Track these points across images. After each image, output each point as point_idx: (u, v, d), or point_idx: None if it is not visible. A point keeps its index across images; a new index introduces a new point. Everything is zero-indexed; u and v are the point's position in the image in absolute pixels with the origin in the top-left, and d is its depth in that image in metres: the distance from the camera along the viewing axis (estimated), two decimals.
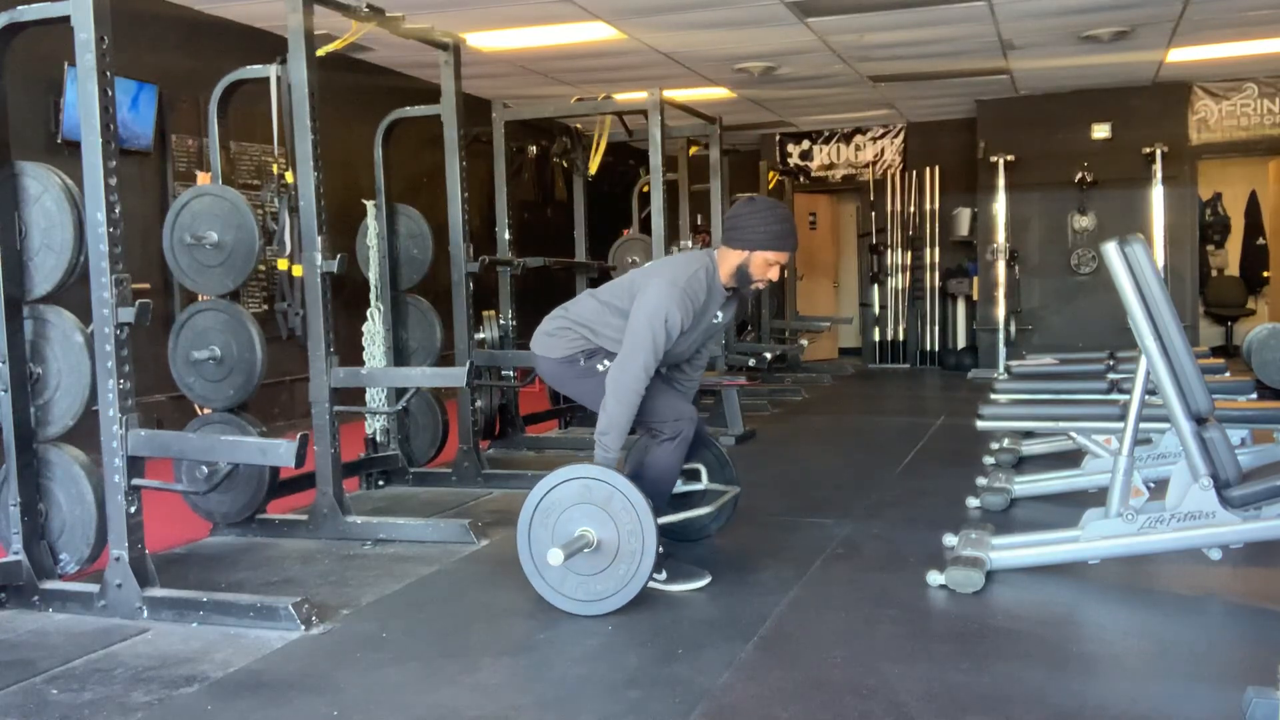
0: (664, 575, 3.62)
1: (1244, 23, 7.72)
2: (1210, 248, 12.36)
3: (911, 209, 12.05)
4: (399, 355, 5.68)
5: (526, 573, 3.44)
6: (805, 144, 12.58)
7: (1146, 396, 3.59)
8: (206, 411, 4.62)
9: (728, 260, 3.66)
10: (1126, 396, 3.85)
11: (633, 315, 3.56)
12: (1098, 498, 3.80)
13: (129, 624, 3.37)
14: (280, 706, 2.74)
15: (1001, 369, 8.76)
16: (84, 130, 3.38)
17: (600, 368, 3.69)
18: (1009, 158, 10.66)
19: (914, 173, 12.05)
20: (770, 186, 10.83)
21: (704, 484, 4.07)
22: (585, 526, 3.36)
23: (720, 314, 3.78)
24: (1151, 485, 3.84)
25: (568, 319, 3.81)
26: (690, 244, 8.96)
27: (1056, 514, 4.43)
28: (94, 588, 3.48)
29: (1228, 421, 3.81)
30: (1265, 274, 12.14)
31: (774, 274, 3.67)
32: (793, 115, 11.50)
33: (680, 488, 3.98)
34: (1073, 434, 4.39)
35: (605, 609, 3.35)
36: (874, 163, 12.32)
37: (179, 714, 2.71)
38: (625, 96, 7.78)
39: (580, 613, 3.36)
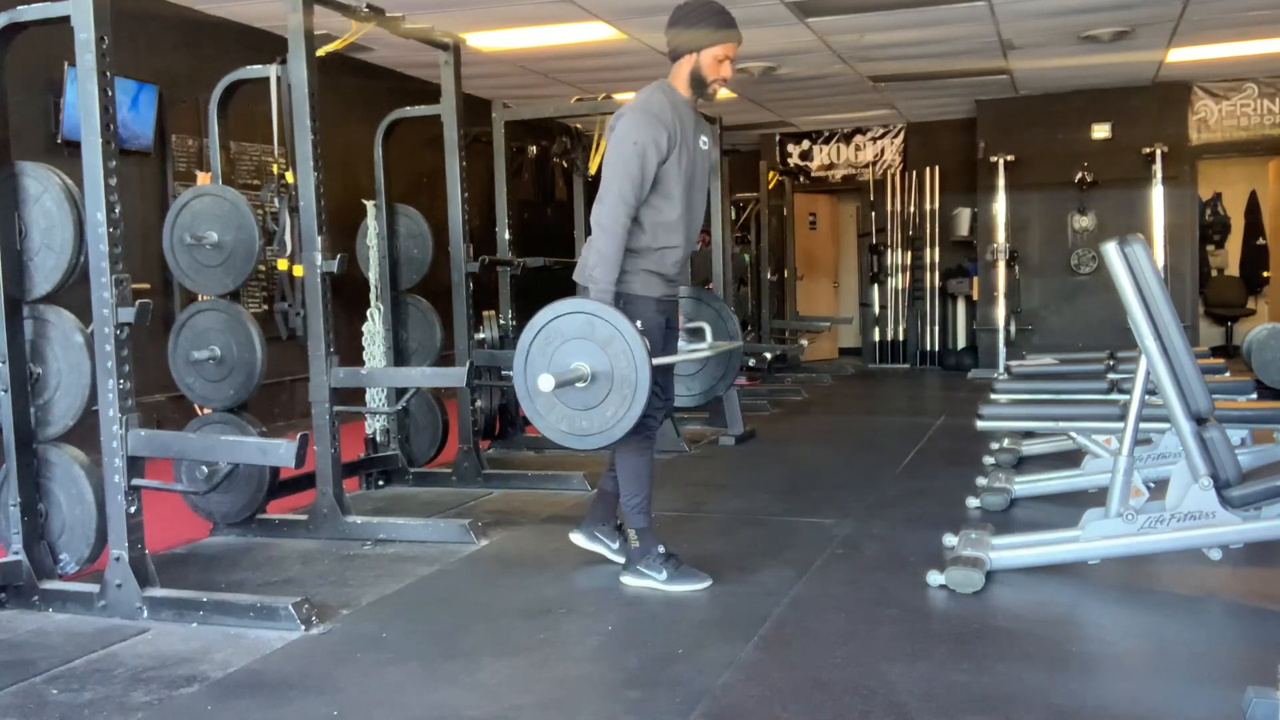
0: (664, 575, 3.62)
1: (1244, 23, 7.72)
2: (1210, 248, 12.36)
3: (911, 209, 12.05)
4: (399, 355, 5.68)
5: (519, 398, 3.43)
6: (805, 144, 12.58)
7: (1146, 396, 3.59)
8: (206, 411, 4.62)
9: (679, 74, 3.61)
10: (1126, 396, 3.85)
11: (605, 154, 3.52)
12: (1098, 498, 3.80)
13: (129, 624, 3.37)
14: (280, 706, 2.74)
15: (1001, 369, 8.76)
16: (84, 130, 3.38)
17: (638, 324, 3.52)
18: (1009, 158, 10.66)
19: (914, 173, 12.05)
20: (770, 187, 10.84)
21: (709, 342, 4.04)
22: (581, 361, 3.31)
23: (704, 139, 3.69)
24: (1151, 485, 3.84)
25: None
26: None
27: (1056, 514, 4.43)
28: (94, 588, 3.48)
29: (1228, 421, 3.81)
30: (1265, 274, 12.14)
31: (726, 70, 3.59)
32: (793, 115, 11.50)
33: (685, 344, 3.94)
34: (1073, 434, 4.39)
35: (589, 445, 3.35)
36: (874, 163, 12.33)
37: (179, 714, 2.71)
38: (625, 96, 7.76)
39: (564, 444, 3.36)
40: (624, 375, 3.29)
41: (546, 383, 3.25)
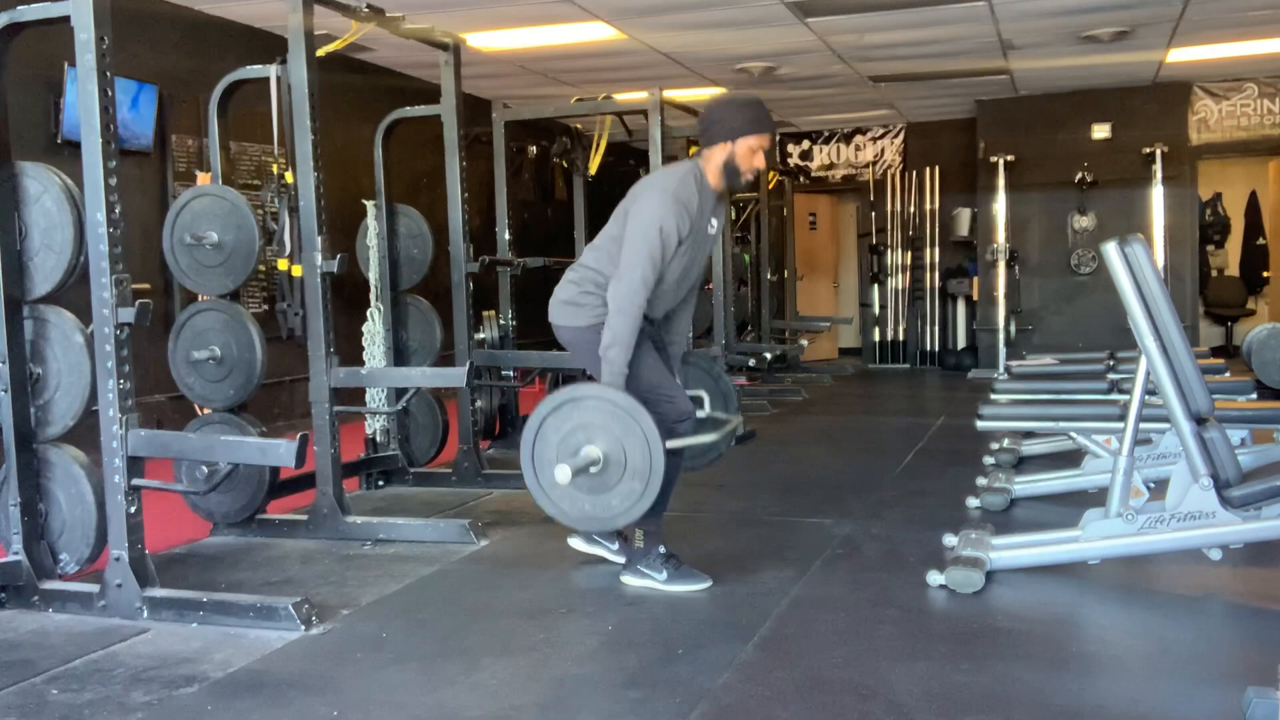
0: (664, 575, 3.62)
1: (1244, 23, 7.72)
2: (1210, 248, 12.36)
3: (911, 209, 12.05)
4: (399, 355, 5.68)
5: (536, 498, 3.40)
6: (805, 144, 12.58)
7: (1146, 396, 3.59)
8: (206, 411, 4.62)
9: (712, 160, 3.62)
10: (1126, 396, 3.85)
11: (628, 229, 3.51)
12: (1098, 498, 3.81)
13: (129, 624, 3.37)
14: (280, 706, 2.74)
15: (1001, 369, 8.76)
16: (84, 130, 3.38)
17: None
18: (1009, 158, 10.66)
19: (914, 173, 12.05)
20: (770, 187, 10.84)
21: (705, 411, 3.99)
22: (592, 445, 3.30)
23: (714, 222, 3.72)
24: (1151, 485, 3.84)
25: (582, 279, 3.69)
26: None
27: (1056, 514, 4.43)
28: (94, 588, 3.48)
29: (1228, 421, 3.81)
30: (1265, 274, 12.14)
31: (759, 160, 3.63)
32: (793, 115, 11.50)
33: None
34: (1073, 434, 4.39)
35: (616, 524, 3.35)
36: (874, 163, 12.32)
37: (179, 714, 2.71)
38: (625, 96, 7.77)
39: (594, 529, 3.36)
40: (637, 452, 3.28)
41: (563, 474, 3.23)
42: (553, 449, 3.34)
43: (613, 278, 3.51)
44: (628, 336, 3.45)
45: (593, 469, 3.28)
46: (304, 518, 4.48)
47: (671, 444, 3.45)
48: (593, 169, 8.00)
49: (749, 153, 3.58)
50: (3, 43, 3.59)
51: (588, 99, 7.82)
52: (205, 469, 4.10)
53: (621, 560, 3.82)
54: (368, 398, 5.52)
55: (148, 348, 5.36)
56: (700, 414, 3.97)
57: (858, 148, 12.41)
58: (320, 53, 4.47)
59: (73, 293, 3.60)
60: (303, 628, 3.28)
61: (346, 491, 4.59)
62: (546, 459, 3.34)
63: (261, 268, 5.78)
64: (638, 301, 3.45)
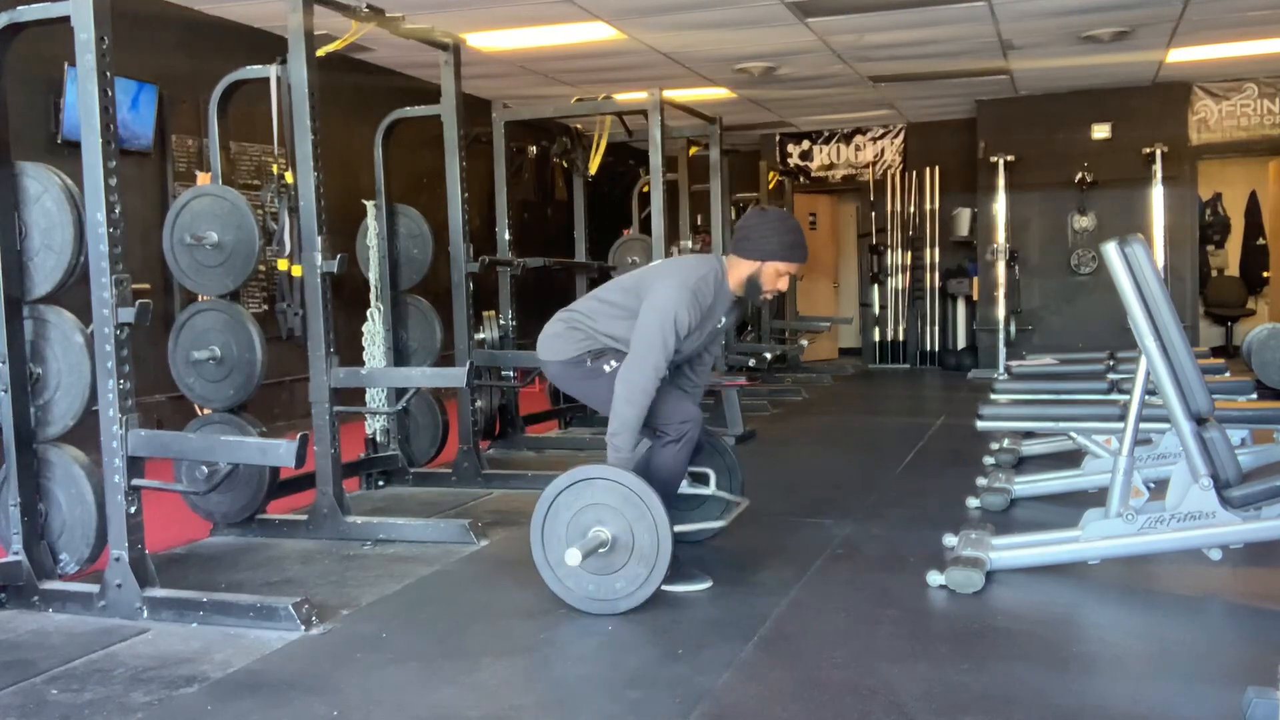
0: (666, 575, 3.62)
1: (1244, 23, 7.72)
2: (1210, 248, 12.36)
3: (911, 209, 12.05)
4: (399, 355, 5.68)
5: (541, 572, 3.43)
6: (805, 144, 12.58)
7: (1146, 396, 3.59)
8: (206, 411, 4.62)
9: (738, 269, 3.69)
10: (1126, 396, 3.85)
11: (642, 315, 3.55)
12: (1098, 498, 3.80)
13: (129, 624, 3.37)
14: (280, 706, 2.74)
15: (1001, 369, 8.76)
16: (84, 130, 3.38)
17: (607, 368, 3.66)
18: (1009, 158, 10.66)
19: (914, 173, 12.05)
20: (770, 186, 10.83)
21: (711, 489, 4.03)
22: (600, 526, 3.36)
23: (724, 318, 3.80)
24: (1151, 485, 3.84)
25: (573, 320, 3.79)
26: (690, 244, 8.96)
27: (1056, 514, 4.44)
28: (94, 588, 3.48)
29: (1228, 421, 3.81)
30: (1265, 274, 12.14)
31: (783, 284, 3.72)
32: (793, 115, 11.50)
33: (686, 489, 3.98)
34: (1073, 434, 4.39)
35: (619, 609, 3.35)
36: (874, 163, 12.32)
37: (179, 714, 2.71)
38: (625, 96, 7.78)
39: (595, 611, 3.36)
40: (645, 551, 3.33)
41: (574, 557, 3.27)
42: (563, 526, 3.39)
43: (624, 363, 3.57)
44: (634, 424, 3.52)
45: (601, 550, 3.34)
46: (304, 518, 4.48)
47: (680, 529, 3.52)
48: (593, 169, 8.00)
49: (775, 275, 3.68)
50: (3, 43, 3.59)
51: (588, 99, 7.83)
52: (205, 469, 4.10)
53: None
54: (368, 398, 5.52)
55: (148, 348, 5.36)
56: (706, 492, 4.00)
57: (858, 148, 12.41)
58: (320, 53, 4.47)
59: (73, 293, 3.60)
60: (303, 628, 3.28)
61: (346, 491, 4.59)
62: (556, 536, 3.40)
63: (261, 268, 5.80)
64: (649, 390, 3.52)
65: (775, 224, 3.67)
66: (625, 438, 3.51)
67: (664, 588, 3.59)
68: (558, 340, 3.79)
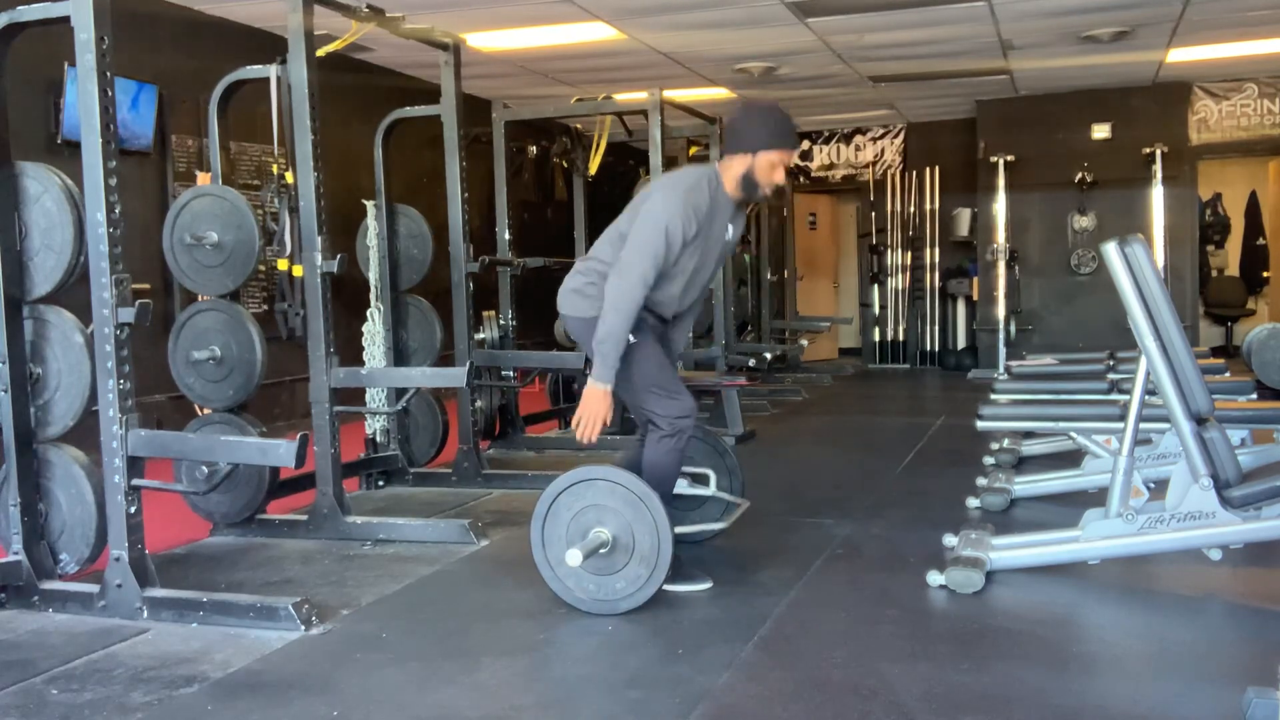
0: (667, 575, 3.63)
1: (1244, 23, 7.72)
2: (1210, 248, 12.36)
3: (911, 209, 12.05)
4: (399, 355, 5.68)
5: (541, 571, 3.44)
6: (805, 144, 12.57)
7: (1146, 396, 3.59)
8: (206, 411, 4.62)
9: (731, 169, 3.58)
10: (1126, 396, 3.85)
11: (635, 225, 3.50)
12: (1098, 498, 3.80)
13: (129, 624, 3.37)
14: (280, 706, 2.74)
15: (1001, 369, 8.75)
16: (84, 130, 3.38)
17: (632, 338, 3.52)
18: (1009, 158, 10.66)
19: (914, 173, 12.05)
20: None
21: (711, 490, 4.02)
22: (600, 527, 3.35)
23: (730, 229, 3.70)
24: (1151, 485, 3.84)
25: (591, 269, 3.66)
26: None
27: (1056, 514, 4.43)
28: (94, 588, 3.48)
29: (1228, 421, 3.81)
30: (1265, 274, 12.15)
31: (779, 176, 3.59)
32: (792, 115, 11.46)
33: (686, 489, 3.97)
34: (1073, 434, 4.39)
35: (620, 609, 3.35)
36: (874, 163, 12.33)
37: (179, 714, 2.71)
38: (625, 96, 7.77)
39: (596, 611, 3.36)
40: (645, 552, 3.33)
41: (574, 558, 3.27)
42: (563, 526, 3.39)
43: (612, 271, 3.50)
44: (621, 332, 3.44)
45: (601, 550, 3.34)
46: (304, 518, 4.48)
47: (680, 530, 3.49)
48: (593, 169, 8.00)
49: (769, 167, 3.55)
50: (3, 43, 3.59)
51: (588, 99, 7.82)
52: (205, 469, 4.10)
53: None
54: (368, 398, 5.52)
55: (148, 348, 5.36)
56: (706, 493, 3.99)
57: (858, 148, 12.41)
58: (320, 53, 4.47)
59: (73, 293, 3.60)
60: (303, 628, 3.28)
61: (346, 491, 4.59)
62: (556, 536, 3.39)
63: (261, 268, 5.79)
64: (635, 298, 3.44)
65: (762, 114, 3.59)
66: (610, 345, 3.43)
67: (665, 587, 3.59)
68: (577, 297, 3.68)
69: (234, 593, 3.61)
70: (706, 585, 3.62)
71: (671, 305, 3.70)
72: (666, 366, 3.64)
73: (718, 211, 3.59)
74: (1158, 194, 10.23)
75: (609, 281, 3.49)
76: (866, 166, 12.36)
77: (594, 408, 3.47)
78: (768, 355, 9.70)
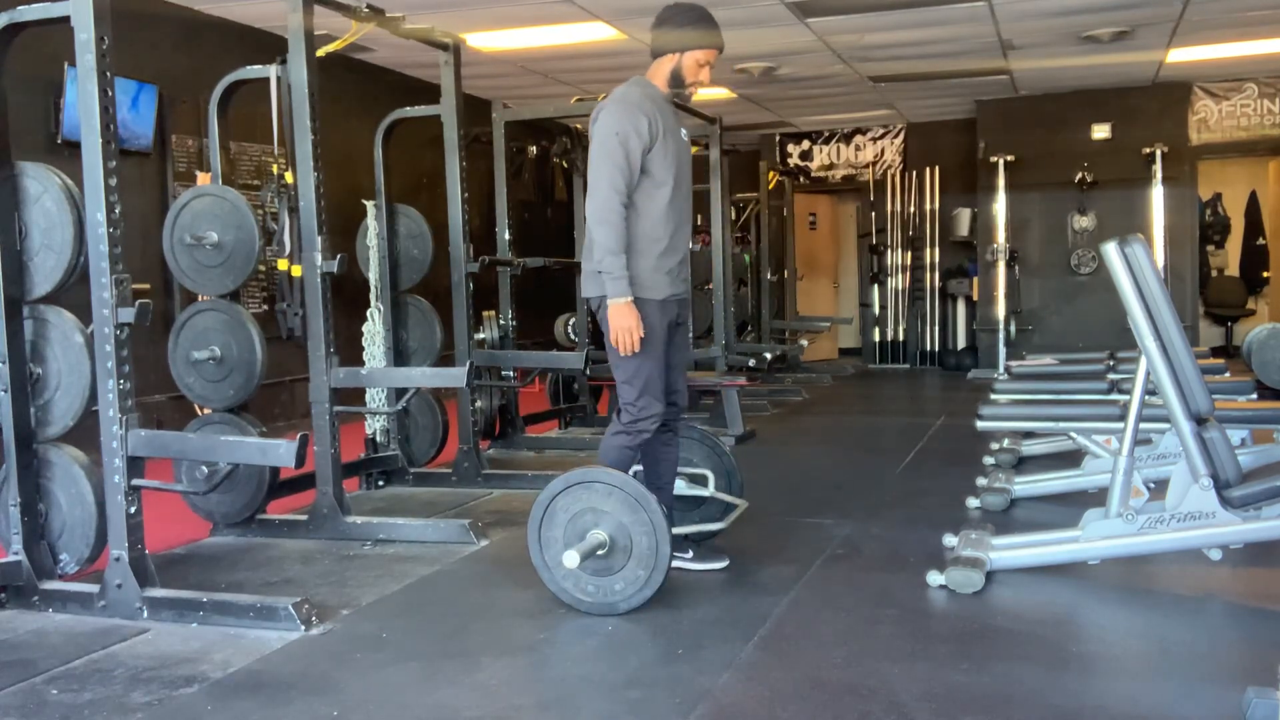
0: (690, 554, 3.71)
1: (1244, 23, 7.72)
2: (1210, 248, 12.36)
3: (911, 209, 12.05)
4: (399, 355, 5.68)
5: (540, 574, 3.44)
6: (805, 144, 12.58)
7: (1146, 396, 3.59)
8: (206, 411, 4.62)
9: (659, 72, 3.63)
10: (1126, 397, 3.85)
11: (590, 150, 3.53)
12: (1098, 498, 3.80)
13: (129, 624, 3.37)
14: (280, 706, 2.74)
15: (1001, 369, 8.76)
16: (84, 130, 3.38)
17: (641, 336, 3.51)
18: (1009, 158, 10.66)
19: (914, 173, 12.05)
20: (770, 186, 10.83)
21: (710, 491, 4.03)
22: (597, 529, 3.36)
23: (683, 131, 3.71)
24: (1151, 485, 3.84)
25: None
26: (691, 245, 8.95)
27: (1056, 514, 4.43)
28: (94, 588, 3.48)
29: (1228, 422, 3.81)
30: (1265, 274, 12.15)
31: (705, 75, 3.63)
32: (793, 115, 11.50)
33: (685, 490, 3.97)
34: (1073, 434, 4.39)
35: (618, 610, 3.35)
36: (874, 163, 12.32)
37: (179, 714, 2.71)
38: None
39: (595, 612, 3.36)
40: (643, 554, 3.32)
41: (571, 560, 3.28)
42: (560, 529, 3.39)
43: (587, 193, 3.53)
44: (615, 243, 3.44)
45: (599, 552, 3.34)
46: (304, 518, 4.48)
47: (679, 531, 3.51)
48: None
49: (695, 66, 3.60)
50: (3, 43, 3.59)
51: (588, 99, 7.82)
52: (205, 469, 4.10)
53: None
54: (368, 398, 5.52)
55: (148, 348, 5.36)
56: (704, 493, 3.99)
57: (858, 148, 12.41)
58: (320, 53, 4.47)
59: (73, 293, 3.60)
60: (303, 628, 3.28)
61: (346, 491, 4.59)
62: (553, 538, 3.40)
63: (261, 268, 5.79)
64: (613, 207, 3.45)
65: (682, 11, 3.61)
66: (611, 260, 3.43)
67: (685, 567, 3.60)
68: (598, 276, 3.61)
69: (234, 593, 3.61)
70: (723, 564, 3.65)
71: (670, 227, 3.61)
72: (660, 372, 3.62)
73: (661, 110, 3.60)
74: (1158, 194, 10.23)
75: (586, 205, 3.52)
76: (866, 166, 12.36)
77: (623, 321, 3.47)
78: (768, 355, 9.70)
